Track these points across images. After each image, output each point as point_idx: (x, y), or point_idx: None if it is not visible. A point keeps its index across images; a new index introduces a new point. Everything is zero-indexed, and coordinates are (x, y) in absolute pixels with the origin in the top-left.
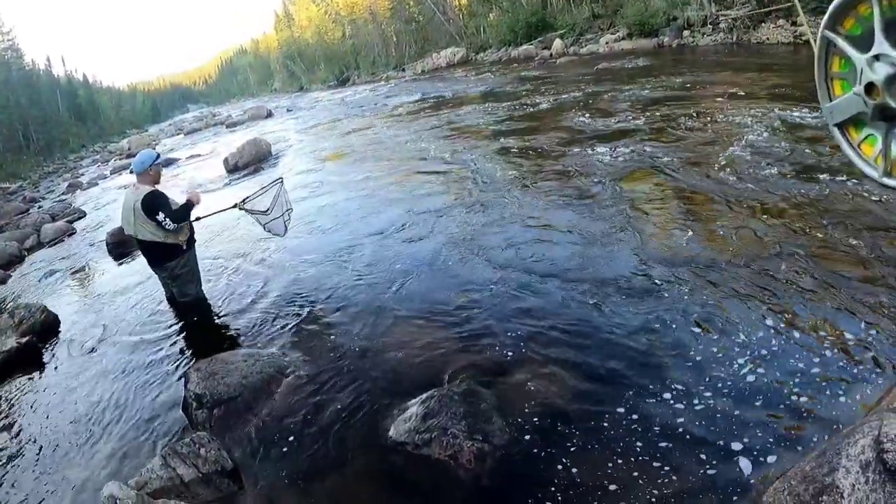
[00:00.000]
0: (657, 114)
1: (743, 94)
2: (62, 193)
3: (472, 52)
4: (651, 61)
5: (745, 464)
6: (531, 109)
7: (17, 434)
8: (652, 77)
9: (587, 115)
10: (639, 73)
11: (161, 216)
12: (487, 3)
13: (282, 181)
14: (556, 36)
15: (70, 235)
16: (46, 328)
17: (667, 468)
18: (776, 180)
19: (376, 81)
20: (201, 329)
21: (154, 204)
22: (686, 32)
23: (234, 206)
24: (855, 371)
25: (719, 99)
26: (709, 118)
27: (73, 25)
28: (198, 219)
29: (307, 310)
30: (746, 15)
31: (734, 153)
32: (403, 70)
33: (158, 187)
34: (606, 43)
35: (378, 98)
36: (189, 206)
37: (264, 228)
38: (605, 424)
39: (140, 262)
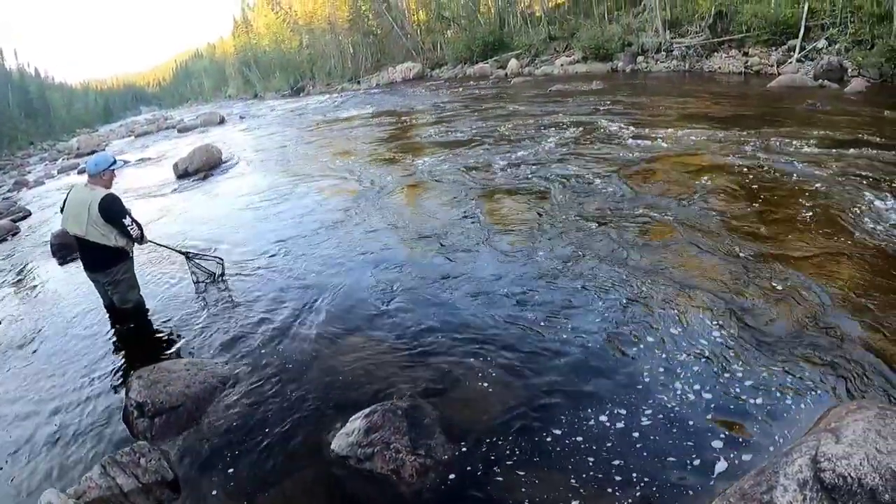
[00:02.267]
0: (602, 133)
1: (691, 117)
2: (8, 191)
3: (428, 68)
4: (604, 84)
5: (683, 482)
6: (480, 125)
7: None
8: (604, 100)
9: (535, 134)
10: (591, 96)
11: (128, 220)
12: (445, 20)
13: (222, 261)
14: (511, 56)
15: (14, 234)
16: None
17: (604, 486)
18: (715, 204)
19: (331, 92)
20: (143, 337)
21: (118, 209)
22: (640, 58)
23: (185, 254)
24: (794, 392)
25: (668, 121)
26: (656, 139)
27: (28, 18)
28: (150, 241)
29: (252, 320)
30: (700, 44)
31: (680, 177)
32: (359, 82)
33: (112, 191)
34: (561, 65)
35: (331, 109)
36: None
37: (195, 283)
38: (546, 441)
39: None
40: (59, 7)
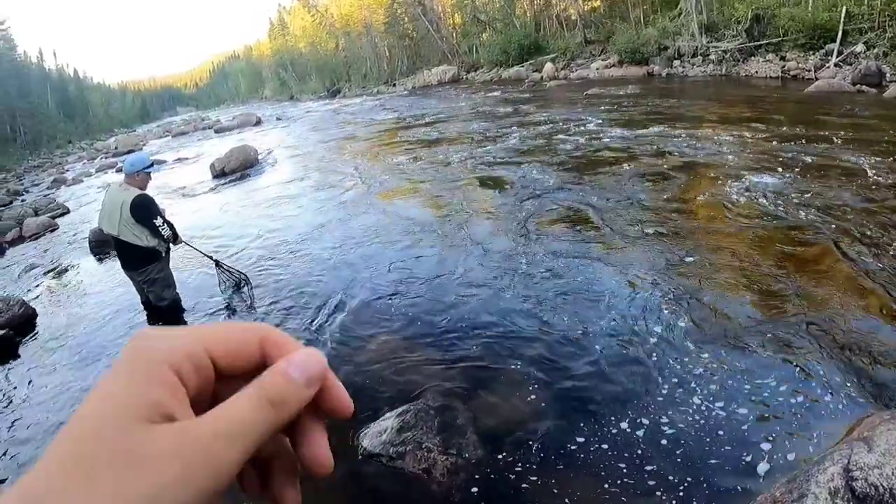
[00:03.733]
0: (643, 140)
1: (728, 125)
2: (47, 188)
3: (464, 72)
4: (640, 89)
5: (714, 489)
6: (518, 132)
7: None
8: (640, 105)
9: (572, 142)
10: (628, 100)
11: (159, 221)
12: (481, 24)
13: (247, 277)
14: (547, 59)
15: (52, 231)
16: (24, 322)
17: (635, 492)
18: (765, 213)
19: (367, 95)
20: None
21: (149, 210)
22: (676, 62)
23: (215, 261)
24: (827, 400)
25: (705, 129)
26: (696, 149)
27: (68, 19)
28: (184, 243)
29: (287, 318)
30: (736, 48)
31: (725, 187)
32: (394, 85)
33: (146, 192)
34: (597, 69)
35: (367, 111)
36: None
37: (222, 290)
38: (576, 444)
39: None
40: (99, 9)
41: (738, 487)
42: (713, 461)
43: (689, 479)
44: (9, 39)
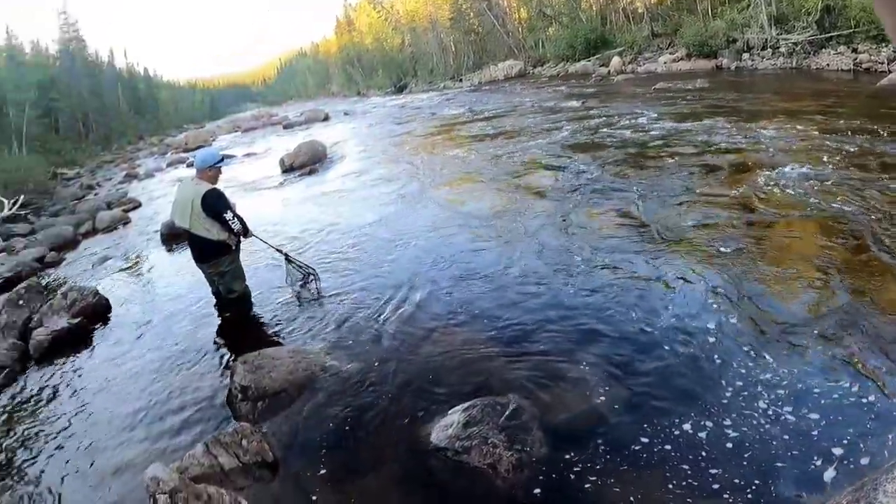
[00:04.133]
0: (705, 135)
1: (797, 119)
2: (119, 183)
3: (530, 66)
4: (709, 83)
5: (781, 494)
6: (590, 126)
7: (66, 412)
8: (706, 99)
9: (635, 138)
10: (697, 95)
11: (229, 215)
12: (547, 18)
13: (315, 272)
14: (614, 53)
15: (125, 224)
16: (97, 311)
17: (698, 494)
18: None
19: (433, 90)
20: (247, 324)
21: (219, 204)
22: (745, 55)
23: (283, 254)
24: None
25: (772, 125)
26: (762, 144)
27: (136, 18)
28: (254, 237)
29: (354, 311)
30: (807, 40)
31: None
32: (461, 80)
33: (217, 186)
34: (665, 62)
35: (435, 107)
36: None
37: (290, 284)
38: (642, 444)
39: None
40: (167, 8)
41: (804, 494)
42: (778, 465)
43: (754, 483)
44: (80, 40)
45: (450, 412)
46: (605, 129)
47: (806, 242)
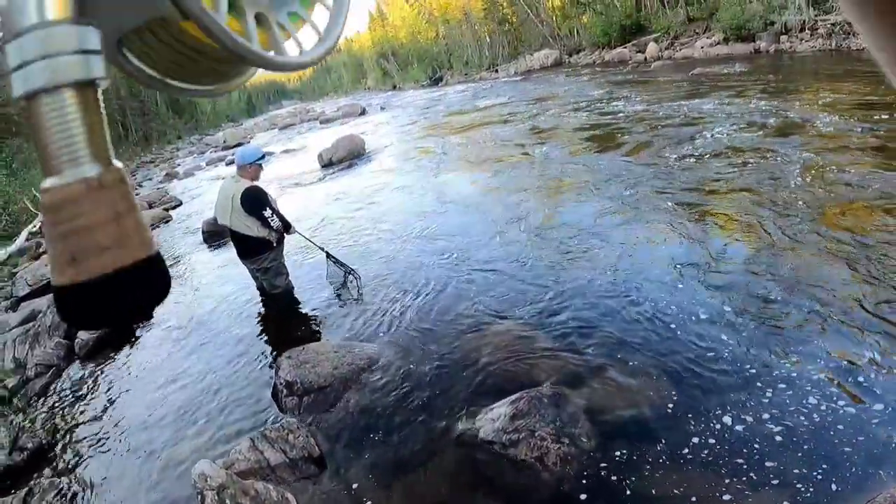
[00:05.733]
0: (745, 119)
1: (850, 107)
2: (159, 182)
3: (565, 55)
4: (748, 67)
5: (832, 486)
6: (630, 116)
7: (112, 410)
8: (750, 86)
9: (691, 127)
10: (737, 81)
11: (268, 212)
12: (581, 5)
13: (356, 273)
14: (650, 39)
15: (166, 222)
16: None
17: (751, 488)
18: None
19: (469, 82)
20: (291, 319)
21: (259, 201)
22: (784, 38)
23: (325, 251)
24: None
25: (816, 109)
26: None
27: None
28: (297, 233)
29: (398, 305)
30: (846, 20)
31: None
32: (496, 71)
33: (257, 183)
34: (702, 47)
35: (471, 99)
36: (288, 222)
37: (331, 281)
38: (693, 438)
39: (234, 253)
40: None
41: (855, 486)
42: (829, 459)
43: (807, 474)
44: None
45: (496, 405)
46: (647, 121)
47: (871, 234)
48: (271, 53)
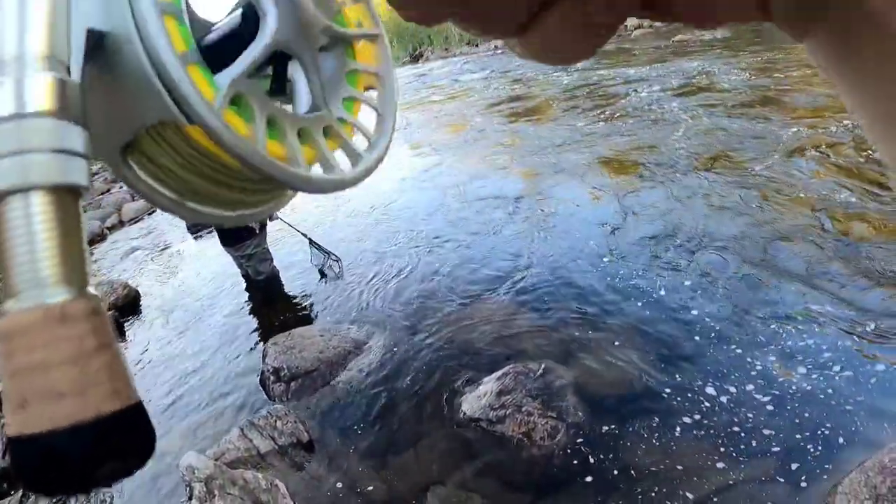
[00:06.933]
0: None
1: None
2: None
3: None
4: (730, 31)
5: (821, 453)
6: (608, 87)
7: None
8: (733, 51)
9: (681, 98)
10: (718, 44)
11: None
12: None
13: (339, 260)
14: None
15: (150, 214)
16: (128, 303)
17: (741, 457)
18: None
19: (449, 57)
20: (276, 305)
21: None
22: None
23: (306, 237)
24: None
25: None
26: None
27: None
28: (278, 218)
29: (382, 286)
30: None
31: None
32: (477, 45)
33: None
34: None
35: (453, 74)
36: None
37: (315, 265)
38: (681, 410)
39: (217, 242)
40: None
41: (845, 452)
42: (818, 426)
43: (795, 441)
44: None
45: (484, 381)
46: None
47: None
48: (312, 170)
